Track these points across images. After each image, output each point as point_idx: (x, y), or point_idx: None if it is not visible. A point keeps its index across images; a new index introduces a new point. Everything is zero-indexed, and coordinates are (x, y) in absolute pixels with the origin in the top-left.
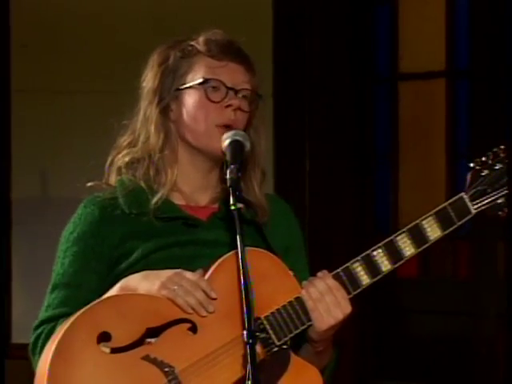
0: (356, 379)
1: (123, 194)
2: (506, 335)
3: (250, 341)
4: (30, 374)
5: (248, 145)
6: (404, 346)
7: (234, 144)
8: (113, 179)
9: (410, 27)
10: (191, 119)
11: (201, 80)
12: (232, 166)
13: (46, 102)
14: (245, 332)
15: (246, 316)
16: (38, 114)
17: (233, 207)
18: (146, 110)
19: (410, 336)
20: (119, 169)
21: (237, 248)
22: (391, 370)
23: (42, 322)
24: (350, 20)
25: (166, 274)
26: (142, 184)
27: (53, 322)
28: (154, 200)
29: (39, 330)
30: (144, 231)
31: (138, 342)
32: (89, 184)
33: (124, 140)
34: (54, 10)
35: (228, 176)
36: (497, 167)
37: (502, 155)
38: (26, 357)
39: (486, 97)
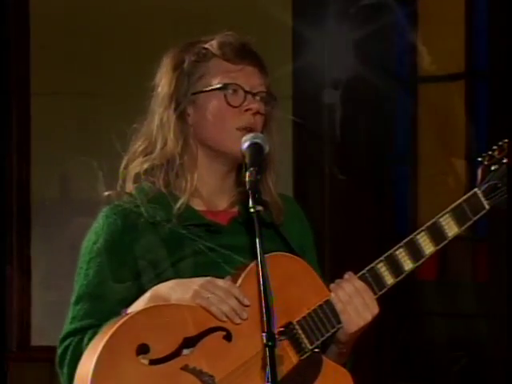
0: (375, 381)
1: (145, 202)
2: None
3: (270, 343)
4: (51, 376)
5: (267, 147)
6: (422, 348)
7: (253, 147)
8: (130, 186)
9: (429, 30)
10: (211, 123)
11: (220, 85)
12: (251, 169)
13: (65, 105)
14: (264, 334)
15: (265, 318)
16: (58, 116)
17: (252, 210)
18: (163, 115)
19: (429, 338)
20: (137, 175)
21: (260, 252)
22: (409, 372)
23: (69, 335)
24: None
25: (198, 282)
26: (163, 190)
27: (79, 334)
28: (177, 206)
29: (66, 343)
30: (169, 239)
31: (176, 353)
32: (106, 193)
33: (139, 145)
34: (73, 12)
35: (247, 178)
36: (504, 161)
37: (508, 149)
38: (46, 359)
39: (506, 98)
